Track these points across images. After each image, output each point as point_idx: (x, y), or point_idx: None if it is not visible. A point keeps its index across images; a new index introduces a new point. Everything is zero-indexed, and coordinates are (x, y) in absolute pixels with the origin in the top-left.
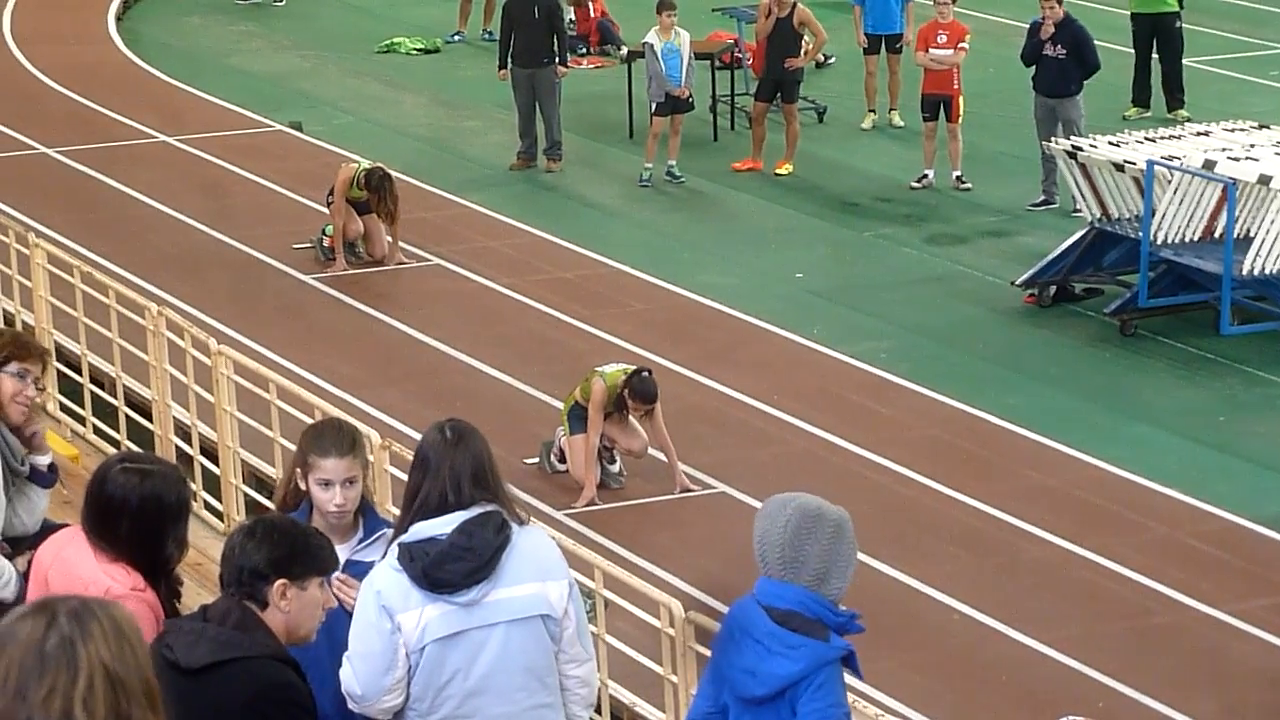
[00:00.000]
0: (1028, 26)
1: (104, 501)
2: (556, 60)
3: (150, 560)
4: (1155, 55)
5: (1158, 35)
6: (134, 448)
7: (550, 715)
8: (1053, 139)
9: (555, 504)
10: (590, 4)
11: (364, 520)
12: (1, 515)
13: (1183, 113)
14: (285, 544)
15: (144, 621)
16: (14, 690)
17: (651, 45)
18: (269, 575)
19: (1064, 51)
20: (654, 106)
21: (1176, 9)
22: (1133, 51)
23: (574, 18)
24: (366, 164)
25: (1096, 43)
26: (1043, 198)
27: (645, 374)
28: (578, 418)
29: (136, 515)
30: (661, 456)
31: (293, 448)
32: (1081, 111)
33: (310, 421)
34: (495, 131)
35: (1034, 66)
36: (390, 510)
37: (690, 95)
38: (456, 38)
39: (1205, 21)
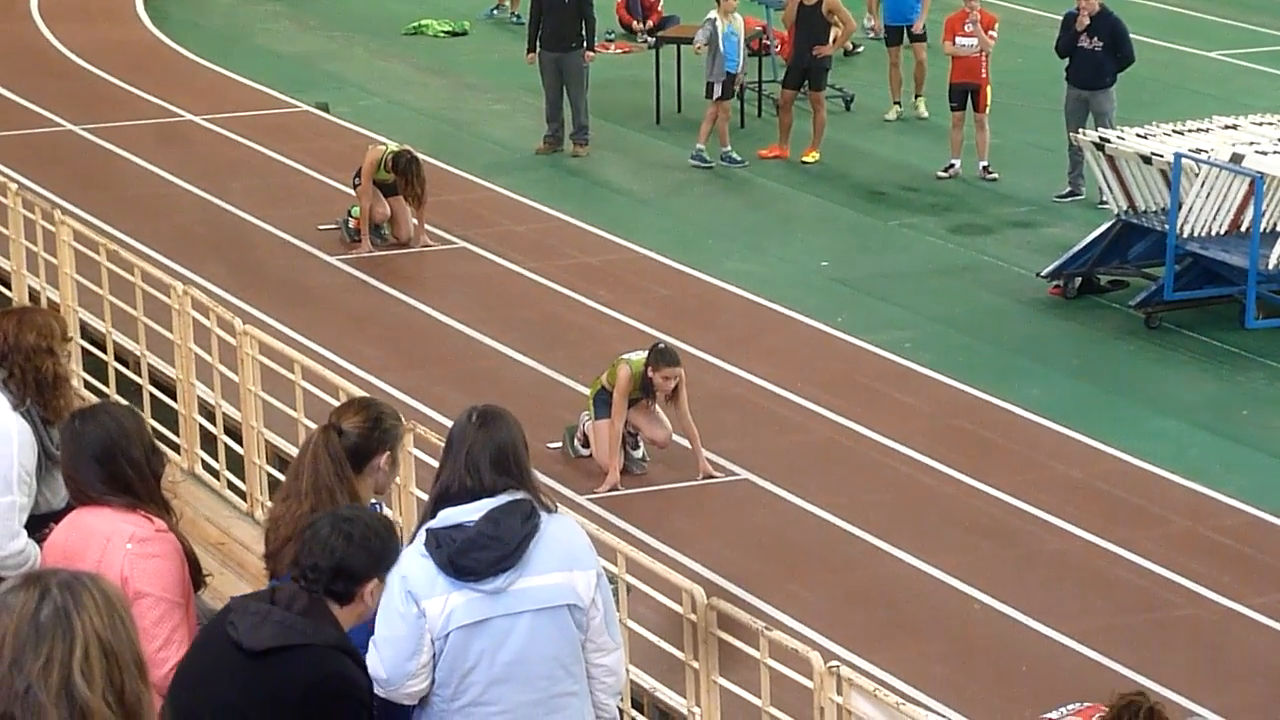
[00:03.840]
0: (1061, 18)
1: (74, 453)
2: (585, 45)
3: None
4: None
5: None
6: (158, 426)
7: (574, 704)
8: (1081, 130)
9: (578, 488)
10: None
11: None
12: (31, 498)
13: None
14: (379, 546)
15: (172, 561)
16: (9, 661)
17: (715, 22)
18: (364, 578)
19: (1100, 43)
20: (718, 89)
21: None
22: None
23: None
24: (394, 146)
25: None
26: (1069, 189)
27: (662, 346)
28: (603, 403)
29: (106, 454)
30: (685, 442)
31: (315, 426)
32: (1114, 103)
33: (335, 403)
34: (522, 115)
35: (1067, 59)
36: (416, 494)
37: (743, 81)
38: (497, 12)
39: (1234, 14)
